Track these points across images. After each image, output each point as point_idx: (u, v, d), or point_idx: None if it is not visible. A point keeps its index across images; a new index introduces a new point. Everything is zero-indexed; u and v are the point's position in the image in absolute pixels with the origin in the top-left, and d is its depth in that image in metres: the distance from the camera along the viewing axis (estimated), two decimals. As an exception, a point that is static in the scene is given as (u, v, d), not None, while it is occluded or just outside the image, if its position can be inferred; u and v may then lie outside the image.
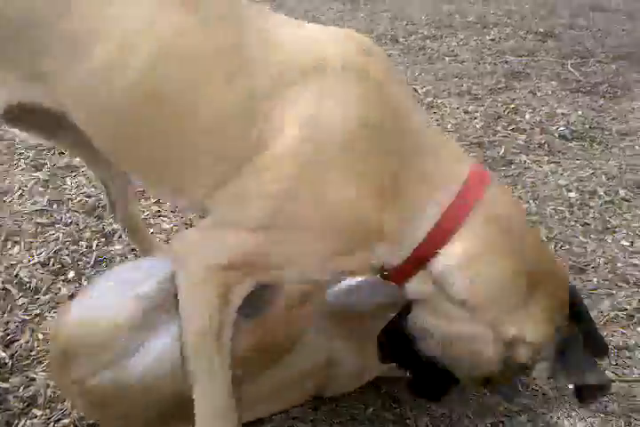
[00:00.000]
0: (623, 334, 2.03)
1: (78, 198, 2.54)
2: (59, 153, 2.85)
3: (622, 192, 2.83)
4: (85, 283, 2.09)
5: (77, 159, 2.81)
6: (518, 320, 1.25)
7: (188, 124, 1.25)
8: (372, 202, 1.21)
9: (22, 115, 1.44)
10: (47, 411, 1.57)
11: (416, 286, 1.29)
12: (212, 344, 1.23)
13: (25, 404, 1.60)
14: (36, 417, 1.57)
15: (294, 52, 1.27)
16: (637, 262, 2.36)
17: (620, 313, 2.11)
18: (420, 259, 1.26)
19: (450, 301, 1.26)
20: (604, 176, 2.96)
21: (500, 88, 3.96)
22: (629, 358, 1.94)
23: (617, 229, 2.57)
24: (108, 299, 1.42)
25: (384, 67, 1.31)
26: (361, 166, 1.20)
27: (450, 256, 1.24)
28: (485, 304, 1.25)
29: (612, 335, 2.02)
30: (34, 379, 1.68)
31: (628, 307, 2.14)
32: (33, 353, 1.77)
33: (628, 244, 2.48)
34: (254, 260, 1.23)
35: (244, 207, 1.22)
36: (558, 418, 1.72)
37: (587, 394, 1.35)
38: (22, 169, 2.71)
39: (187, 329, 1.24)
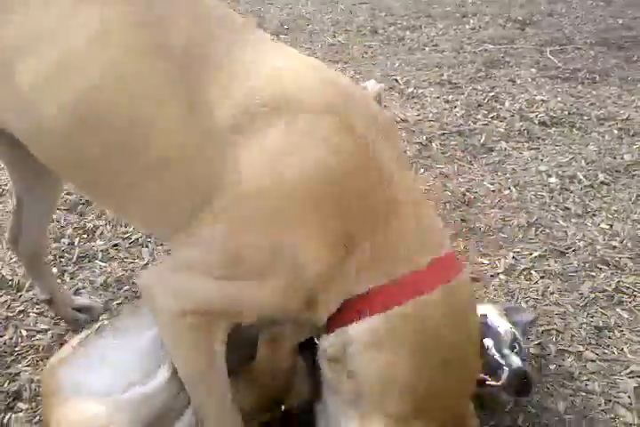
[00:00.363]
0: (603, 314, 2.06)
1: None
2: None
3: (602, 176, 2.86)
4: (68, 279, 2.10)
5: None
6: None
7: (138, 157, 1.17)
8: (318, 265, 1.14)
9: None
10: (32, 404, 1.58)
11: (332, 338, 1.23)
12: (210, 382, 1.24)
13: (10, 398, 1.61)
14: (21, 411, 1.58)
15: (265, 86, 1.16)
16: (616, 245, 2.39)
17: (599, 294, 2.14)
18: (337, 321, 1.21)
19: (342, 370, 1.21)
20: (583, 161, 2.99)
21: (479, 77, 3.98)
22: (609, 337, 1.96)
23: (596, 213, 2.60)
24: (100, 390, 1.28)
25: (367, 117, 1.19)
26: (315, 225, 1.13)
27: (358, 330, 1.19)
28: (365, 392, 1.19)
29: (592, 316, 2.05)
30: (18, 374, 1.69)
31: (608, 288, 2.17)
32: (17, 349, 1.78)
33: (607, 227, 2.51)
34: (223, 306, 1.19)
35: (205, 253, 1.18)
36: (540, 397, 1.74)
37: None
38: (2, 168, 2.70)
39: (181, 372, 1.25)
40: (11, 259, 2.13)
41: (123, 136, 1.17)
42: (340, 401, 1.24)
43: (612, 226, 2.51)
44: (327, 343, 1.24)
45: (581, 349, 1.92)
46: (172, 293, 1.20)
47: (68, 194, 2.55)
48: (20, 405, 1.60)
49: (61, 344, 1.71)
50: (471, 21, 5.11)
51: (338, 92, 1.20)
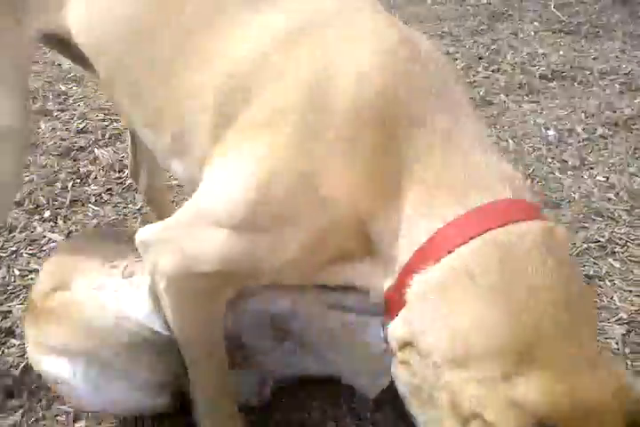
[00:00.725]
0: (595, 264, 2.07)
1: (52, 142, 2.52)
2: (32, 98, 2.80)
3: (600, 130, 2.83)
4: (61, 223, 2.09)
5: (50, 103, 2.78)
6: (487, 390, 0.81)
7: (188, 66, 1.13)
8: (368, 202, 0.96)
9: (58, 44, 1.43)
10: (24, 341, 1.60)
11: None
12: (208, 347, 1.19)
13: (2, 334, 1.63)
14: (13, 346, 1.60)
15: None
16: (611, 197, 2.39)
17: (592, 245, 2.14)
18: (403, 283, 0.94)
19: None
20: (582, 114, 2.96)
21: (481, 30, 3.91)
22: (600, 286, 1.97)
23: (593, 166, 2.59)
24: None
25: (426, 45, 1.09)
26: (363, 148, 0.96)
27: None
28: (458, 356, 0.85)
29: (585, 265, 2.05)
30: (10, 311, 1.70)
31: (601, 239, 2.17)
32: (10, 288, 1.79)
33: (603, 179, 2.50)
34: (238, 266, 1.03)
35: (220, 194, 1.03)
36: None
37: None
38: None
39: (178, 335, 1.17)
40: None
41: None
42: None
43: (608, 178, 2.50)
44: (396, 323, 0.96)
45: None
46: (176, 252, 1.06)
47: (62, 140, 2.53)
48: (12, 341, 1.62)
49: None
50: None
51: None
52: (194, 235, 1.04)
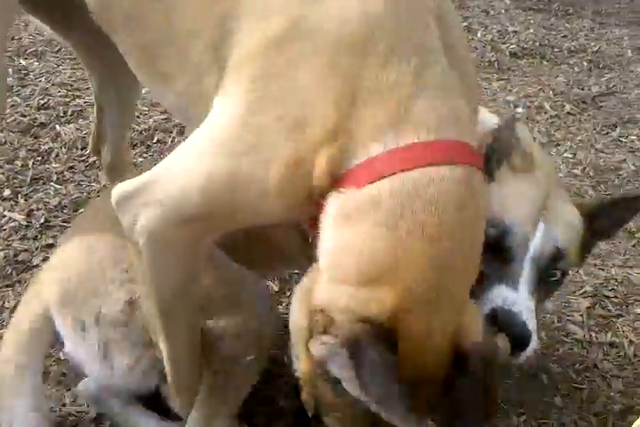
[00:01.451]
0: (561, 239, 2.08)
1: (13, 118, 2.44)
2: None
3: (568, 107, 2.84)
4: (22, 201, 2.04)
5: (10, 79, 2.70)
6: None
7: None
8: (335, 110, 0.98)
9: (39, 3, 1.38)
10: None
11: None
12: (183, 303, 1.17)
13: None
14: None
15: None
16: (578, 173, 2.40)
17: (559, 220, 2.16)
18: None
19: None
20: (551, 92, 2.97)
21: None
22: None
23: (561, 142, 2.60)
24: None
25: None
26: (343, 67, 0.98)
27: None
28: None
29: (551, 241, 2.06)
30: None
31: (568, 214, 2.18)
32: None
33: (570, 155, 2.51)
34: (218, 203, 1.05)
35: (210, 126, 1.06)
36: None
37: None
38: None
39: (155, 293, 1.14)
40: None
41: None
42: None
43: (575, 155, 2.51)
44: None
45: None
46: (155, 204, 1.05)
47: (22, 116, 2.46)
48: None
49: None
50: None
51: None
52: (173, 179, 1.06)
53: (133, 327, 1.27)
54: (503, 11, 3.86)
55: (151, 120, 2.48)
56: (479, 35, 3.51)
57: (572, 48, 3.41)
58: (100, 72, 1.78)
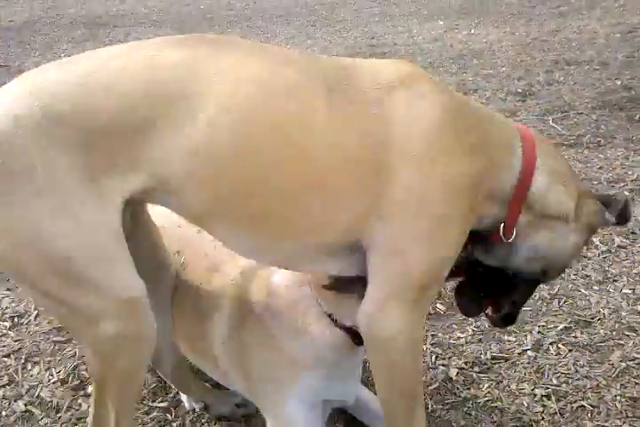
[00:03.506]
0: (637, 384, 2.04)
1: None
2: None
3: (618, 240, 2.88)
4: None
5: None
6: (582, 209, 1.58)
7: (298, 167, 1.35)
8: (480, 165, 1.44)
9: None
10: None
11: (523, 217, 1.54)
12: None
13: None
14: None
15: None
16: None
17: (630, 363, 2.13)
18: (522, 193, 1.51)
19: (549, 218, 1.57)
20: (598, 226, 3.02)
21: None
22: (647, 408, 1.94)
23: (617, 278, 2.61)
24: None
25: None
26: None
27: (540, 184, 1.52)
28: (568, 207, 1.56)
29: (626, 387, 2.03)
30: None
31: (638, 356, 2.15)
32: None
33: (629, 291, 2.51)
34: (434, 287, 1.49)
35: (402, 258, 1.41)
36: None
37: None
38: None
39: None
40: (49, 380, 2.21)
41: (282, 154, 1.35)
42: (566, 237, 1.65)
43: (634, 290, 2.52)
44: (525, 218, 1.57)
45: (619, 423, 1.90)
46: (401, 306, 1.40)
47: None
48: None
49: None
50: (473, 98, 5.29)
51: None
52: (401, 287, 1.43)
53: None
54: (536, 149, 4.04)
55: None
56: (517, 176, 3.66)
57: (611, 178, 3.51)
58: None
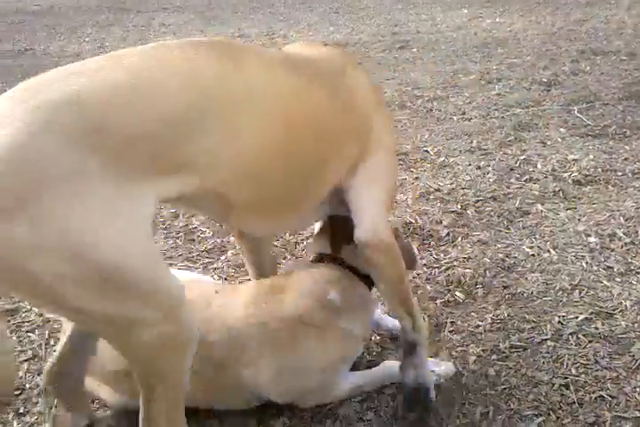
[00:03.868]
0: (658, 377, 2.01)
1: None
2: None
3: (642, 232, 2.84)
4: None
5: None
6: None
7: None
8: None
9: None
10: None
11: None
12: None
13: None
14: None
15: None
16: (664, 302, 2.35)
17: (652, 355, 2.10)
18: None
19: None
20: (621, 218, 2.98)
21: (509, 141, 4.05)
22: (667, 402, 1.91)
23: (640, 270, 2.57)
24: None
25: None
26: None
27: None
28: None
29: (646, 380, 2.00)
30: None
31: (661, 348, 2.12)
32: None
33: (653, 283, 2.47)
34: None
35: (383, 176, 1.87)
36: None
37: None
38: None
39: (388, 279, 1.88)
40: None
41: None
42: None
43: (657, 282, 2.48)
44: None
45: (638, 414, 1.87)
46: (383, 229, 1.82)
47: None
48: None
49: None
50: (497, 87, 5.24)
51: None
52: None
53: None
54: (560, 140, 3.99)
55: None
56: (539, 166, 3.62)
57: (636, 170, 3.46)
58: None
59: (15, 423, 1.99)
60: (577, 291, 2.47)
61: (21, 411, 2.04)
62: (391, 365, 2.06)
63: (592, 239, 2.83)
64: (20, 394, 2.09)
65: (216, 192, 1.44)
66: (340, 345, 1.94)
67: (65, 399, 1.83)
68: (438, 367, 2.05)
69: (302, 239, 2.89)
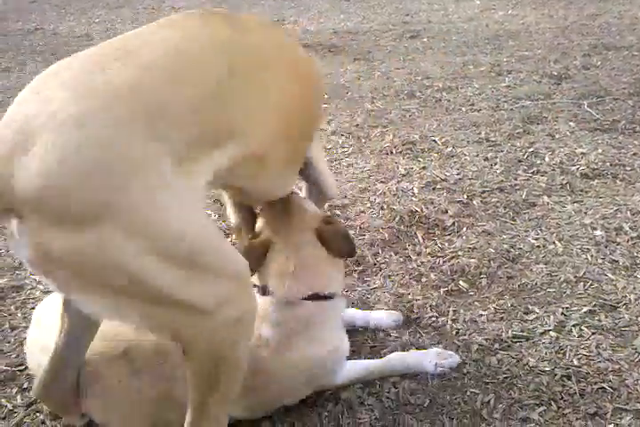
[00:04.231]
0: (660, 371, 2.01)
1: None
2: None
3: (648, 226, 2.83)
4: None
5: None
6: None
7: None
8: None
9: None
10: None
11: None
12: None
13: None
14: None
15: None
16: (669, 297, 2.35)
17: (654, 349, 2.10)
18: None
19: None
20: (628, 212, 2.97)
21: (517, 133, 4.03)
22: (668, 394, 1.92)
23: (646, 265, 2.57)
24: None
25: None
26: None
27: None
28: None
29: (649, 374, 2.00)
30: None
31: (663, 342, 2.12)
32: None
33: (657, 278, 2.47)
34: None
35: None
36: None
37: None
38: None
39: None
40: None
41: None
42: None
43: (662, 278, 2.48)
44: None
45: (639, 407, 1.88)
46: None
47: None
48: None
49: None
50: (507, 79, 5.20)
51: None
52: None
53: None
54: (569, 133, 3.97)
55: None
56: (547, 159, 3.61)
57: (645, 165, 3.44)
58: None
59: (19, 398, 2.00)
60: (581, 283, 2.47)
61: (25, 386, 2.05)
62: (395, 357, 2.06)
63: (598, 232, 2.82)
64: (25, 369, 2.10)
65: (256, 156, 1.51)
66: (312, 371, 1.87)
67: (58, 410, 1.84)
68: (442, 359, 2.05)
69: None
